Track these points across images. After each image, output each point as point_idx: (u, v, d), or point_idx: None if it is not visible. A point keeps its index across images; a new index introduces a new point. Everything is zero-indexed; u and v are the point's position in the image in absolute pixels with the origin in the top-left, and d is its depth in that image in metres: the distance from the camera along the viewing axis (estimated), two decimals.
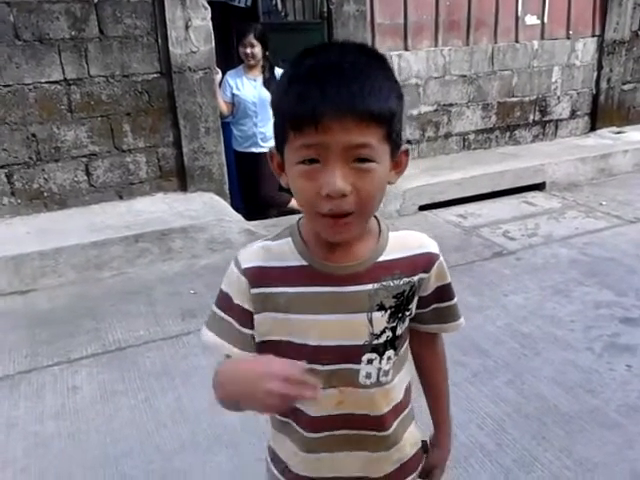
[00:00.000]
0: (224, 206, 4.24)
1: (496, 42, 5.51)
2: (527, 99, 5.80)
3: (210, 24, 4.18)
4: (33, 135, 3.92)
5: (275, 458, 1.05)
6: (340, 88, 0.77)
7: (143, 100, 4.14)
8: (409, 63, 5.13)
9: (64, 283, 3.45)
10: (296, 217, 0.97)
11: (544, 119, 5.97)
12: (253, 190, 4.40)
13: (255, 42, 4.17)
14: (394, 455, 1.02)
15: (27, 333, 2.92)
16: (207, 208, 4.10)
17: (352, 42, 0.87)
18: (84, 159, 4.09)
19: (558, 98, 5.98)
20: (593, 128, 6.24)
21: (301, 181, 0.83)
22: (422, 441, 1.09)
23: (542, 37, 5.72)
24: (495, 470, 1.93)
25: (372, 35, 4.96)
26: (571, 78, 5.98)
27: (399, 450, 1.02)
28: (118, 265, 3.60)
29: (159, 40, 4.07)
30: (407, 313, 0.97)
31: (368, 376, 0.95)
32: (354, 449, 0.99)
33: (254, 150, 4.35)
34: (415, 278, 0.96)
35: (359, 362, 0.94)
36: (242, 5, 5.47)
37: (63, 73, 3.88)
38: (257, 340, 0.95)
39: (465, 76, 5.42)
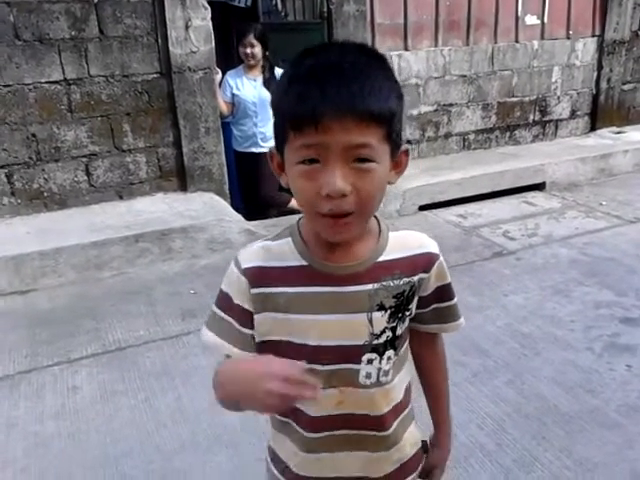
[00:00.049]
0: (224, 206, 4.24)
1: (496, 42, 5.51)
2: (527, 99, 5.80)
3: (210, 24, 4.18)
4: (33, 135, 3.92)
5: (275, 458, 1.05)
6: (340, 88, 0.77)
7: (143, 100, 4.14)
8: (409, 63, 5.13)
9: (64, 283, 3.45)
10: (296, 217, 0.97)
11: (544, 119, 5.97)
12: (253, 190, 4.40)
13: (255, 42, 4.18)
14: (394, 455, 1.02)
15: (27, 333, 2.92)
16: (207, 208, 4.11)
17: (352, 42, 0.87)
18: (84, 159, 4.09)
19: (558, 98, 5.98)
20: (593, 128, 6.24)
21: (301, 181, 0.83)
22: (422, 441, 1.09)
23: (542, 37, 5.72)
24: (495, 470, 1.93)
25: (372, 35, 4.96)
26: (571, 78, 5.98)
27: (399, 450, 1.02)
28: (118, 265, 3.60)
29: (159, 40, 4.07)
30: (407, 313, 0.97)
31: (368, 376, 0.95)
32: (354, 449, 0.99)
33: (254, 150, 4.35)
34: (415, 278, 0.96)
35: (359, 362, 0.94)
36: (242, 5, 5.48)
37: (63, 73, 3.88)
38: (257, 340, 0.95)
39: (465, 76, 5.42)
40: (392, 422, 1.00)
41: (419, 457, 1.08)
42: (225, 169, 4.50)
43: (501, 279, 3.35)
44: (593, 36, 5.96)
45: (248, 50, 4.20)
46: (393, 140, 0.84)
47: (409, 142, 5.24)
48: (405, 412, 1.03)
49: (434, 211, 4.58)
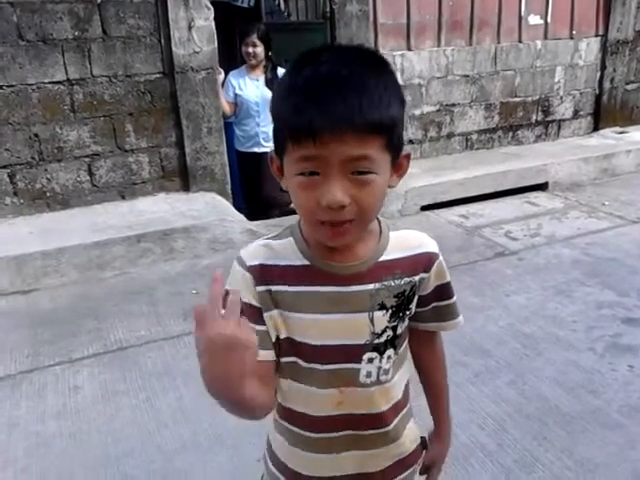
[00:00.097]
0: (226, 206, 4.24)
1: (499, 42, 5.50)
2: (530, 99, 5.79)
3: (213, 24, 4.18)
4: (36, 135, 3.92)
5: (275, 458, 1.06)
6: (337, 103, 0.77)
7: (146, 100, 4.14)
8: (412, 63, 5.13)
9: (66, 283, 3.46)
10: (297, 217, 0.97)
11: (547, 119, 5.96)
12: (255, 190, 4.40)
13: (258, 42, 4.18)
14: (393, 450, 1.02)
15: (29, 333, 2.93)
16: (209, 208, 4.11)
17: (351, 46, 0.87)
18: (87, 159, 4.10)
19: (561, 98, 5.97)
20: (596, 128, 6.22)
21: (300, 192, 0.83)
22: (421, 437, 1.10)
23: (545, 37, 5.71)
24: (496, 470, 1.92)
25: (375, 35, 4.96)
26: (574, 78, 5.97)
27: (399, 446, 1.03)
28: (120, 265, 3.61)
29: (162, 40, 4.08)
30: (407, 312, 0.98)
31: (368, 375, 0.95)
32: (354, 448, 0.99)
33: (256, 150, 4.35)
34: (416, 278, 0.96)
35: (360, 361, 0.94)
36: (245, 5, 5.49)
37: (66, 73, 3.89)
38: None
39: (468, 76, 5.42)
40: (393, 419, 1.00)
41: (418, 453, 1.08)
42: (227, 169, 4.50)
43: (503, 279, 3.34)
44: (596, 36, 5.95)
45: (251, 50, 4.20)
46: (394, 146, 0.84)
47: (411, 142, 5.24)
48: (404, 410, 1.04)
49: (436, 211, 4.58)
